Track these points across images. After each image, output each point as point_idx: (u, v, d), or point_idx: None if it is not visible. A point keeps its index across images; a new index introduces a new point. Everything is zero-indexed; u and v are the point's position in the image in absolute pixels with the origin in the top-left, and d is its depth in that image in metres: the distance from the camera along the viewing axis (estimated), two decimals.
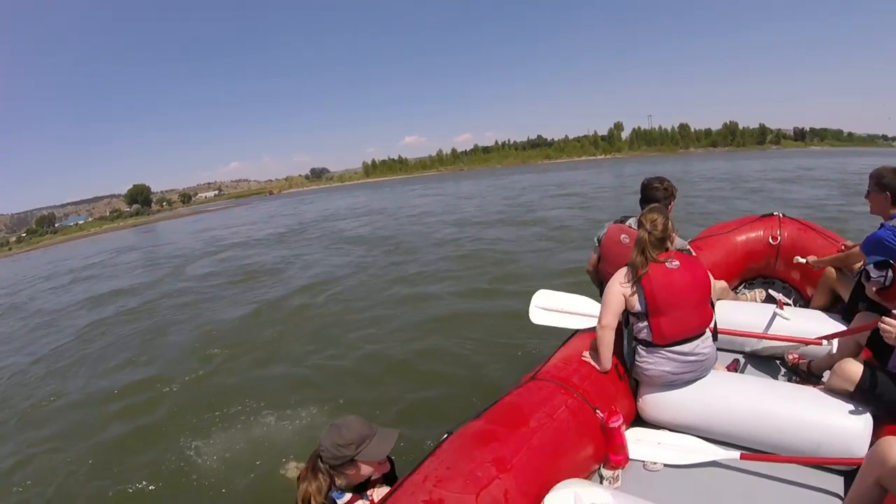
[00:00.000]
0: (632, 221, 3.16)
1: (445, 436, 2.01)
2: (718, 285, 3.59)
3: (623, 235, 3.11)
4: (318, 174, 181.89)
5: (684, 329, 2.50)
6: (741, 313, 3.45)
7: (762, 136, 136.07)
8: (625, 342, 2.65)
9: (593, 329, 2.69)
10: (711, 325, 2.64)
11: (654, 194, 3.15)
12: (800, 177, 25.67)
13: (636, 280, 2.46)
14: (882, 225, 2.87)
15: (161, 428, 4.67)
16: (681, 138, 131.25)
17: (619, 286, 2.50)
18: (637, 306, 2.48)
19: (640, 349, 2.55)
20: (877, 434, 2.21)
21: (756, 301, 4.09)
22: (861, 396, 2.27)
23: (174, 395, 5.36)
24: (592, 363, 2.58)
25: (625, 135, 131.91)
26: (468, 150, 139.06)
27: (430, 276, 9.21)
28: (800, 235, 4.26)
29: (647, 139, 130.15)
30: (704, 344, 2.56)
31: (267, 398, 4.83)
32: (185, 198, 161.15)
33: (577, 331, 3.02)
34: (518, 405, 2.21)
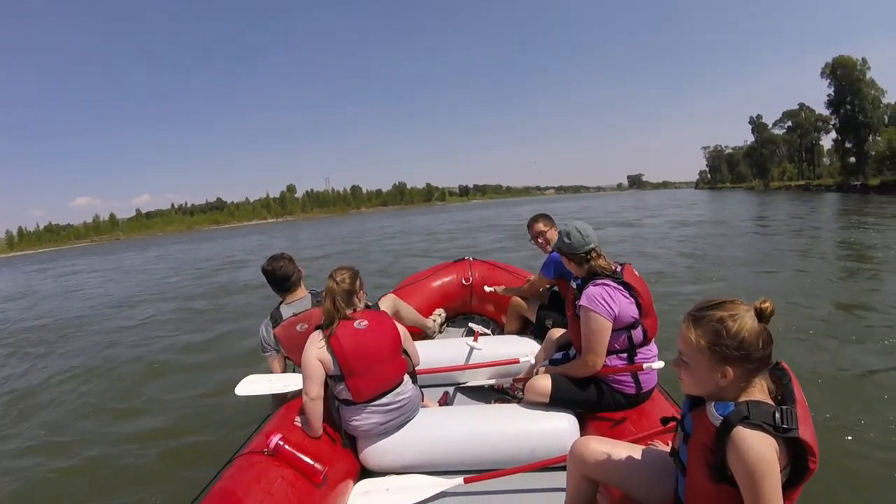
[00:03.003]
0: (285, 309, 3.26)
1: None
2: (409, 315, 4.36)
3: (299, 325, 3.17)
4: None
5: (381, 384, 2.69)
6: (442, 350, 3.87)
7: (429, 194, 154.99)
8: (330, 404, 2.75)
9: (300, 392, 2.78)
10: (410, 369, 2.90)
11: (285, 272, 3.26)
12: (464, 227, 30.31)
13: (328, 343, 2.58)
14: (551, 251, 3.68)
15: None
16: (353, 199, 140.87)
17: (315, 352, 2.59)
18: (332, 369, 2.60)
19: (344, 408, 2.71)
20: (583, 424, 2.73)
21: (460, 336, 4.61)
22: (557, 403, 2.77)
23: None
24: (305, 429, 2.64)
25: (299, 196, 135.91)
26: (149, 211, 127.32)
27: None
28: (489, 273, 5.06)
29: (319, 201, 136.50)
30: (404, 390, 2.78)
31: None
32: None
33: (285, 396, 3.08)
34: (230, 489, 2.12)
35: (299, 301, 3.25)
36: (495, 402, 3.56)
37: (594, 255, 2.71)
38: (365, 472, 2.80)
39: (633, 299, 2.58)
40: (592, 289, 2.56)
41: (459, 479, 2.55)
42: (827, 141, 71.06)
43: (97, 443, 4.66)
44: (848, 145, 56.81)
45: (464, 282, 5.04)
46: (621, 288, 2.57)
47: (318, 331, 2.66)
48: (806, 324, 6.16)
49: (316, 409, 2.60)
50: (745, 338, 1.35)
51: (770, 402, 1.38)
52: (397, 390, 2.75)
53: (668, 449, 1.93)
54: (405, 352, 2.89)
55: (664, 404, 2.64)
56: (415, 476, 2.70)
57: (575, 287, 2.73)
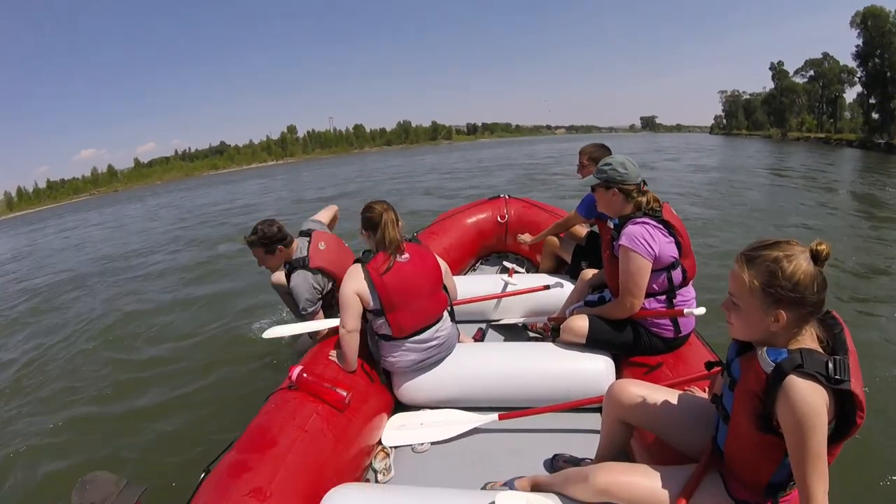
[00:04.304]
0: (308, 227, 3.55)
1: (203, 475, 1.98)
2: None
3: (319, 243, 3.43)
4: None
5: (421, 319, 2.74)
6: (477, 285, 3.95)
7: (434, 133, 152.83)
8: (368, 339, 2.81)
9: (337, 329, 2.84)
10: (448, 307, 2.96)
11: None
12: (476, 167, 29.86)
13: (368, 276, 2.60)
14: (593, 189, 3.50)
15: None
16: (356, 139, 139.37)
17: (354, 285, 2.60)
18: (372, 304, 2.63)
19: (383, 343, 2.77)
20: (618, 368, 2.76)
21: (493, 274, 4.69)
22: (593, 344, 2.78)
23: None
24: (340, 364, 2.71)
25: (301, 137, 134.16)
26: (153, 160, 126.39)
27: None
28: (524, 212, 5.11)
29: (321, 141, 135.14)
30: (443, 327, 2.84)
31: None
32: None
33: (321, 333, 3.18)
34: (266, 426, 2.21)
35: (300, 248, 3.43)
36: (529, 341, 3.64)
37: (644, 188, 2.65)
38: (399, 406, 2.88)
39: (672, 239, 2.53)
40: (632, 227, 2.51)
41: (494, 416, 2.63)
42: (850, 95, 68.76)
43: (132, 397, 4.63)
44: (873, 101, 54.50)
45: (499, 219, 5.07)
46: (661, 227, 2.52)
47: (357, 264, 2.66)
48: (836, 278, 6.02)
49: (353, 343, 2.65)
50: (801, 280, 1.32)
51: (821, 350, 1.37)
52: (436, 326, 2.80)
53: (705, 395, 2.04)
54: (445, 288, 2.93)
55: (702, 350, 2.66)
56: (449, 411, 2.78)
57: (613, 227, 2.68)
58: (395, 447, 2.61)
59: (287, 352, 4.54)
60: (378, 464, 2.47)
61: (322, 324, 3.18)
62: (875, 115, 54.70)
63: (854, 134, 55.55)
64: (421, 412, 2.81)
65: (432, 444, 2.60)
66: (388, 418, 2.77)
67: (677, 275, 2.59)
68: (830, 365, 1.29)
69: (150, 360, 5.41)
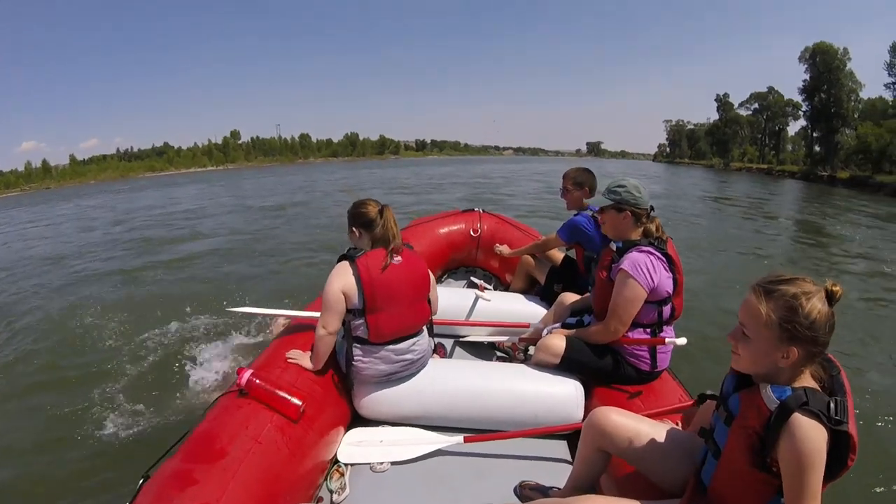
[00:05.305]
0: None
1: (141, 482, 1.82)
2: None
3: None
4: None
5: (401, 328, 2.67)
6: (445, 299, 3.70)
7: (382, 147, 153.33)
8: (339, 340, 2.73)
9: (304, 328, 2.85)
10: (428, 322, 2.90)
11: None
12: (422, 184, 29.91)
13: (356, 274, 2.52)
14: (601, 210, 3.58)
15: None
16: (300, 148, 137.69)
17: (340, 282, 2.53)
18: (355, 302, 2.55)
19: (355, 348, 2.65)
20: (589, 396, 2.72)
21: (461, 288, 4.73)
22: (567, 366, 2.77)
23: None
24: (302, 364, 2.62)
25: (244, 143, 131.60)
26: (91, 158, 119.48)
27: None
28: (498, 228, 5.11)
29: (264, 149, 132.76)
30: (420, 341, 2.78)
31: None
32: None
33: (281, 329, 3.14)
34: (214, 433, 2.05)
35: None
36: (493, 358, 3.62)
37: (652, 214, 2.67)
38: (357, 420, 2.79)
39: (671, 274, 2.54)
40: (637, 255, 2.50)
41: (459, 438, 2.57)
42: (793, 128, 73.53)
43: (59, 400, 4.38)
44: (817, 134, 57.78)
45: (472, 233, 5.04)
46: (664, 260, 2.53)
47: (345, 261, 2.58)
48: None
49: (330, 345, 2.58)
50: (817, 319, 1.33)
51: (820, 390, 1.39)
52: (415, 339, 2.73)
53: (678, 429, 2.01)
54: (429, 301, 2.87)
55: (675, 385, 2.67)
56: (412, 429, 2.70)
57: (615, 249, 2.64)
58: (352, 465, 2.50)
59: (226, 352, 4.49)
60: (333, 483, 2.38)
61: (290, 313, 3.16)
62: (817, 148, 57.81)
63: (796, 166, 58.69)
64: (381, 428, 2.73)
65: (392, 463, 2.50)
66: (345, 432, 2.67)
67: (667, 311, 2.60)
68: (832, 405, 1.32)
69: (79, 362, 5.15)
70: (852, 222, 16.41)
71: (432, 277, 2.88)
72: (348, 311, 2.57)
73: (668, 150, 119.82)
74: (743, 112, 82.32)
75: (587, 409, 2.61)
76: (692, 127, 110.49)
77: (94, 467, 3.45)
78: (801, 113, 65.12)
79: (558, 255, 4.17)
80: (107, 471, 3.36)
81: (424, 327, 2.84)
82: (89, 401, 4.23)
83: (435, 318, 3.44)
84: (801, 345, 1.35)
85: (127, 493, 1.76)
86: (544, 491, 2.27)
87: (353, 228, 2.69)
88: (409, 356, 2.70)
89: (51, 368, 5.06)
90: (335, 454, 2.52)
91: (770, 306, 1.37)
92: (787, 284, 1.37)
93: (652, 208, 2.64)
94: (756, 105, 78.33)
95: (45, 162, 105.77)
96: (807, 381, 1.41)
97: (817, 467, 1.29)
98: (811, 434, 1.29)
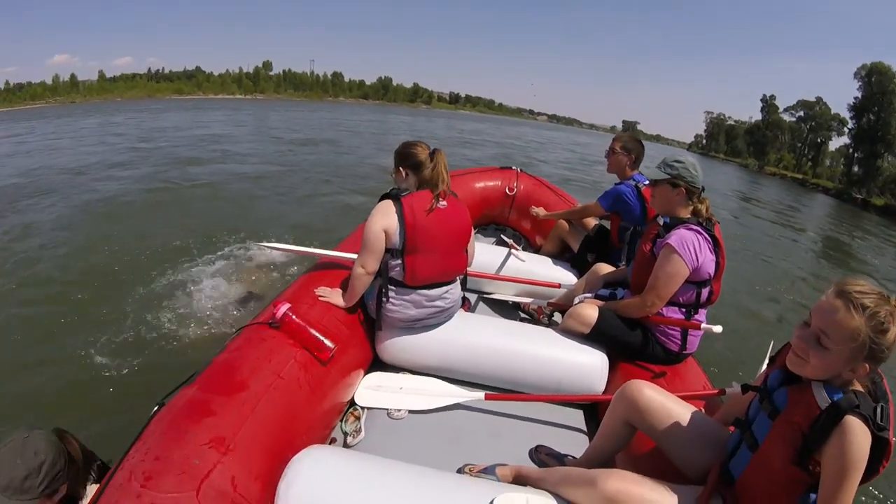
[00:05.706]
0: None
1: (155, 409, 1.73)
2: None
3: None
4: None
5: (437, 273, 2.62)
6: (477, 253, 3.62)
7: (414, 95, 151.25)
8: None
9: (334, 266, 2.84)
10: (464, 273, 2.87)
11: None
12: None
13: (400, 213, 2.47)
14: (621, 181, 3.67)
15: None
16: (332, 86, 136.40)
17: (382, 221, 2.47)
18: (395, 242, 2.49)
19: (390, 289, 2.60)
20: (612, 370, 2.68)
21: (492, 245, 4.61)
22: (595, 337, 2.73)
23: None
24: (333, 302, 2.59)
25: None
26: (120, 76, 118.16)
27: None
28: (534, 189, 5.06)
29: (295, 83, 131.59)
30: (453, 291, 2.74)
31: None
32: None
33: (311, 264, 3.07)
34: (236, 365, 1.98)
35: None
36: (517, 319, 3.55)
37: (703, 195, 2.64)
38: (377, 363, 2.75)
39: (714, 257, 2.51)
40: (685, 231, 2.47)
41: (480, 394, 2.54)
42: (834, 144, 71.39)
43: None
44: (859, 155, 56.25)
45: (507, 191, 5.01)
46: (710, 241, 2.49)
47: (388, 200, 2.51)
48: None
49: (366, 285, 2.55)
50: (894, 341, 1.33)
51: (868, 396, 1.38)
52: (448, 287, 2.69)
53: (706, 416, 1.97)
54: (467, 251, 2.83)
55: (699, 372, 2.63)
56: (433, 380, 2.68)
57: (662, 224, 2.62)
58: (369, 408, 2.48)
59: (261, 287, 4.44)
60: (348, 426, 2.34)
61: (319, 252, 3.11)
62: (856, 169, 56.19)
63: (832, 182, 57.19)
64: (401, 375, 2.69)
65: (410, 412, 2.47)
66: (364, 375, 2.64)
67: (705, 293, 2.57)
68: (878, 411, 1.32)
69: (97, 284, 5.11)
70: (879, 250, 16.23)
71: (472, 228, 2.85)
72: (386, 250, 2.51)
73: (704, 141, 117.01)
74: (786, 118, 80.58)
75: (609, 384, 2.63)
76: (732, 123, 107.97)
77: (110, 392, 3.50)
78: (846, 129, 63.56)
79: (591, 223, 4.11)
80: (123, 397, 3.40)
81: (458, 278, 2.80)
82: (106, 325, 4.24)
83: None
84: (874, 363, 1.35)
85: (139, 420, 1.69)
86: (560, 458, 2.25)
87: (400, 168, 2.62)
88: (439, 303, 2.65)
89: (70, 286, 5.05)
90: (353, 396, 2.49)
91: (864, 322, 1.31)
92: (881, 302, 1.33)
93: (703, 189, 2.61)
94: (801, 113, 76.50)
95: (73, 76, 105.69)
96: (856, 385, 1.39)
97: (859, 471, 1.28)
98: (860, 438, 1.28)
